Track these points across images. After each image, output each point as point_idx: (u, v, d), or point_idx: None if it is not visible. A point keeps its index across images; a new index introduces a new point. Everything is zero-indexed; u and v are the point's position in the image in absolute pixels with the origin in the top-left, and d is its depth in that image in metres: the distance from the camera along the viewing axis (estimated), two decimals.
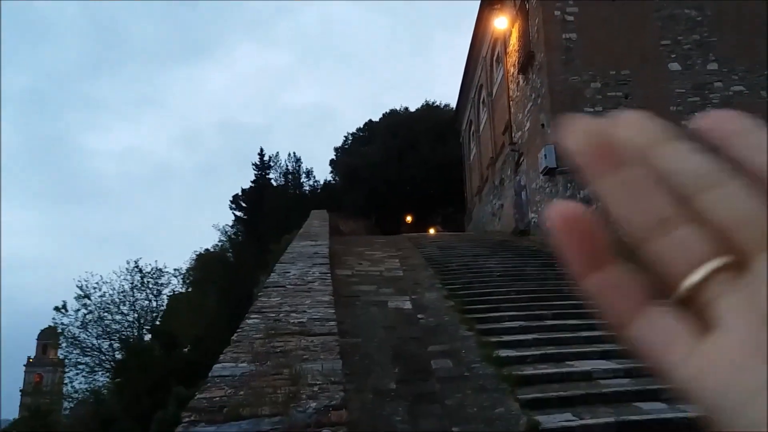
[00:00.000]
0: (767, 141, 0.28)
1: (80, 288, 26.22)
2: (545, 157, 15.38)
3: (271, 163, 34.36)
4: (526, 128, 18.15)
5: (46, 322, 30.59)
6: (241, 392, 2.64)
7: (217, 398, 2.60)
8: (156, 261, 48.20)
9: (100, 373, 25.17)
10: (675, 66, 15.62)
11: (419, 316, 7.84)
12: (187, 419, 2.44)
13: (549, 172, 15.64)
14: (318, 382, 2.74)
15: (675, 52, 15.67)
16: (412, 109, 38.32)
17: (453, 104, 33.96)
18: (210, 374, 2.89)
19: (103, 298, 26.33)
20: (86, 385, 24.96)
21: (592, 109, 15.34)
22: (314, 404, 2.50)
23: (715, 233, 0.27)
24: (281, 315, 4.14)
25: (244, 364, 3.02)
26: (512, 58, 19.68)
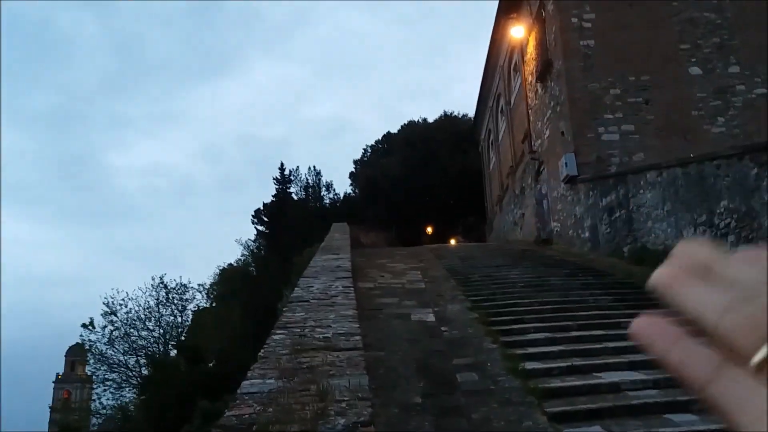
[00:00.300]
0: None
1: (107, 305, 26.62)
2: (566, 165, 15.28)
3: (292, 177, 34.61)
4: (546, 136, 18.06)
5: (75, 339, 31.01)
6: (270, 409, 2.66)
7: (246, 416, 2.62)
8: (180, 277, 48.76)
9: (127, 389, 25.44)
10: (695, 70, 15.46)
11: (443, 328, 7.81)
12: None
13: (570, 180, 15.53)
14: (345, 398, 2.74)
15: (695, 56, 15.51)
16: (431, 119, 38.44)
17: (471, 114, 33.95)
18: (239, 391, 2.92)
19: (129, 315, 26.68)
20: (113, 401, 25.24)
21: (612, 116, 15.24)
22: (343, 421, 2.51)
23: None
24: (306, 330, 4.16)
25: (272, 381, 3.03)
26: (530, 67, 19.65)
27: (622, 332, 7.22)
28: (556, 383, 5.61)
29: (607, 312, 8.08)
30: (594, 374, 5.84)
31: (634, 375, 5.74)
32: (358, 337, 4.02)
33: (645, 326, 0.36)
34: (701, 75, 15.41)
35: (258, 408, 2.68)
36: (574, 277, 10.91)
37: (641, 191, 12.43)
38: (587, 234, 15.04)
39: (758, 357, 0.30)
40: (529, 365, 6.02)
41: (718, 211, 9.92)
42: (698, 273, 0.35)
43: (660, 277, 0.36)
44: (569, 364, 6.08)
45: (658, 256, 11.38)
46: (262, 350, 3.63)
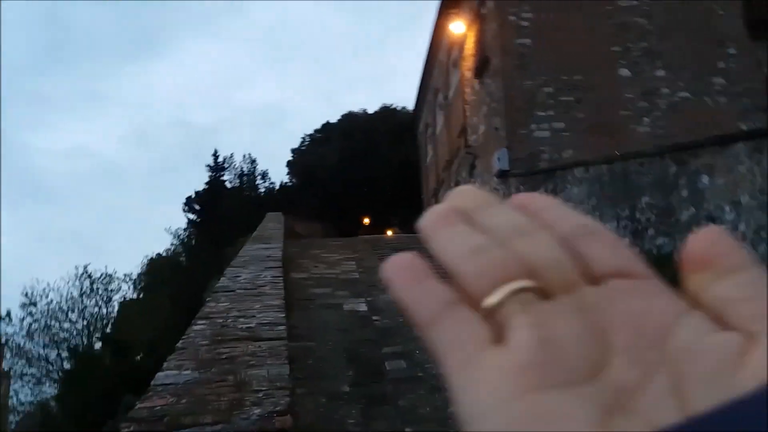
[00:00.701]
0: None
1: (26, 295, 25.31)
2: (498, 161, 15.60)
3: (226, 165, 33.89)
4: (481, 132, 18.39)
5: None
6: (184, 400, 2.57)
7: (158, 407, 2.53)
8: (106, 266, 46.92)
9: (47, 384, 24.31)
10: (625, 72, 16.08)
11: (374, 318, 7.84)
12: (126, 430, 2.36)
13: (502, 175, 15.88)
14: (263, 388, 2.69)
15: (625, 59, 16.13)
16: (370, 111, 38.40)
17: (411, 107, 34.18)
18: (152, 383, 2.81)
19: (51, 306, 25.46)
20: (33, 397, 24.10)
21: (544, 113, 15.66)
22: (258, 411, 2.45)
23: (523, 266, 0.29)
24: (229, 320, 4.06)
25: (188, 372, 2.94)
26: (468, 63, 19.93)
27: None
28: None
29: None
30: None
31: None
32: (282, 327, 3.96)
33: (395, 265, 0.32)
34: (630, 77, 16.05)
35: (171, 399, 2.59)
36: None
37: (569, 186, 12.84)
38: None
39: (489, 300, 0.28)
40: None
41: (639, 206, 10.37)
42: (463, 218, 0.32)
43: (425, 218, 0.34)
44: None
45: None
46: (181, 341, 3.52)
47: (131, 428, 2.41)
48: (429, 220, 0.33)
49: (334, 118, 39.19)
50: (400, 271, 0.31)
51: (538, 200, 0.35)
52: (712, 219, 8.63)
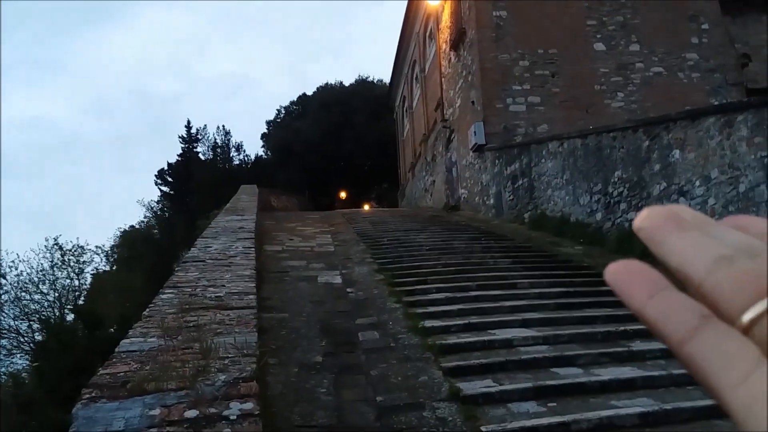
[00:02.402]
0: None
1: None
2: (475, 134, 15.60)
3: (199, 136, 33.37)
4: (457, 105, 18.33)
5: None
6: (147, 367, 2.55)
7: (121, 373, 2.50)
8: (77, 238, 46.21)
9: (18, 355, 24.02)
10: (600, 46, 16.10)
11: (348, 290, 7.85)
12: (87, 396, 2.34)
13: (478, 149, 15.90)
14: (230, 355, 2.68)
15: (600, 33, 16.14)
16: (347, 83, 37.99)
17: (387, 80, 33.89)
18: (116, 349, 2.78)
19: (20, 278, 25.04)
20: (3, 369, 23.79)
21: (520, 87, 15.65)
22: (223, 377, 2.44)
23: None
24: (198, 290, 4.02)
25: (153, 339, 2.91)
26: (444, 35, 19.76)
27: (517, 292, 7.54)
28: (452, 340, 5.79)
29: (504, 273, 8.39)
30: (489, 331, 6.06)
31: (526, 332, 6.02)
32: (252, 296, 3.94)
33: (623, 272, 0.32)
34: (605, 51, 16.08)
35: (135, 366, 2.57)
36: (477, 241, 11.25)
37: (543, 160, 12.92)
38: (492, 201, 15.52)
39: (750, 314, 0.27)
40: (429, 323, 6.17)
41: (612, 180, 10.48)
42: (686, 225, 0.31)
43: (645, 220, 0.33)
44: (466, 321, 6.28)
45: (556, 223, 11.93)
46: (147, 309, 3.47)
47: (93, 394, 2.39)
48: (653, 221, 0.32)
49: (301, 89, 38.77)
50: (632, 279, 0.31)
51: (757, 223, 0.33)
52: (683, 193, 8.77)
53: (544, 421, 4.24)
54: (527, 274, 8.28)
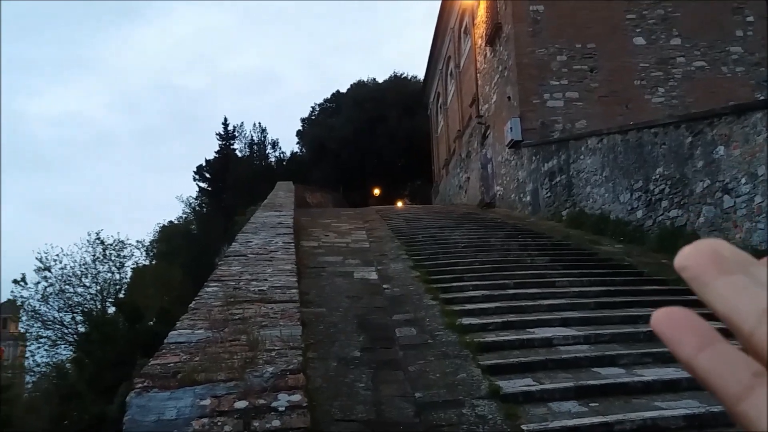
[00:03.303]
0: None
1: (40, 260, 25.62)
2: (511, 130, 15.45)
3: (236, 133, 33.81)
4: (493, 101, 18.18)
5: (5, 296, 29.83)
6: (197, 358, 2.60)
7: (172, 364, 2.56)
8: (118, 233, 47.35)
9: (62, 346, 24.74)
10: (640, 40, 15.76)
11: (384, 286, 7.86)
12: (140, 385, 2.40)
13: (514, 145, 15.74)
14: (276, 348, 2.71)
15: (640, 27, 15.80)
16: (380, 80, 38.00)
17: (421, 76, 33.79)
18: (165, 341, 2.84)
19: (64, 271, 25.79)
20: (48, 359, 24.57)
21: (557, 82, 15.43)
22: (271, 369, 2.48)
23: None
24: (241, 283, 4.08)
25: (201, 331, 2.97)
26: (480, 30, 19.60)
27: (556, 291, 7.45)
28: (491, 338, 5.75)
29: (543, 272, 8.30)
30: (528, 330, 6.01)
31: (566, 331, 5.94)
32: (294, 291, 3.98)
33: (670, 320, 0.31)
34: (645, 45, 15.74)
35: (184, 357, 2.62)
36: (513, 238, 11.14)
37: (582, 157, 12.72)
38: (528, 198, 15.35)
39: None
40: (466, 321, 6.14)
41: (653, 177, 10.26)
42: (730, 267, 0.31)
43: (688, 258, 0.32)
44: (504, 320, 6.23)
45: (595, 221, 11.74)
46: (194, 302, 3.54)
47: (144, 383, 2.45)
48: (696, 260, 0.32)
49: (328, 86, 38.91)
50: (680, 329, 0.31)
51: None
52: (727, 191, 8.53)
53: (586, 420, 4.18)
54: (566, 273, 8.17)
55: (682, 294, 7.43)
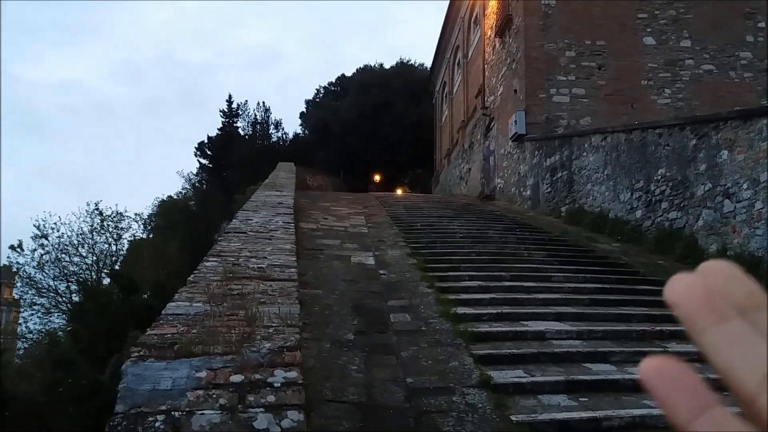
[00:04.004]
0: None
1: (37, 228, 25.63)
2: (515, 123, 15.41)
3: (240, 111, 33.67)
4: (499, 93, 18.11)
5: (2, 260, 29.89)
6: (194, 330, 2.61)
7: (169, 335, 2.57)
8: (116, 204, 47.31)
9: (56, 314, 24.82)
10: (650, 40, 15.69)
11: (381, 271, 7.88)
12: (136, 354, 2.41)
13: (518, 139, 15.71)
14: (274, 325, 2.73)
15: (651, 26, 15.72)
16: (387, 66, 37.81)
17: (428, 64, 33.64)
18: (163, 312, 2.86)
19: (61, 240, 25.80)
20: (41, 326, 24.63)
21: (565, 78, 15.38)
22: (268, 345, 2.50)
23: None
24: (240, 260, 4.09)
25: (199, 304, 2.98)
26: (490, 21, 19.48)
27: (551, 285, 7.48)
28: (484, 328, 5.78)
29: (539, 266, 8.33)
30: (521, 322, 6.04)
31: (560, 326, 5.98)
32: (293, 270, 3.99)
33: (661, 375, 0.29)
34: (654, 46, 15.67)
35: (182, 329, 2.64)
36: (511, 231, 11.16)
37: (584, 154, 12.71)
38: (529, 192, 15.35)
39: None
40: (461, 310, 6.16)
41: (655, 178, 10.26)
42: (726, 311, 0.28)
43: (680, 295, 0.30)
44: (499, 311, 6.26)
45: (594, 218, 11.76)
46: (192, 275, 3.55)
47: (141, 353, 2.47)
48: (688, 299, 0.29)
49: (331, 66, 38.70)
50: (672, 386, 0.28)
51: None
52: (728, 195, 8.54)
53: (575, 415, 4.21)
54: (562, 268, 8.20)
55: None
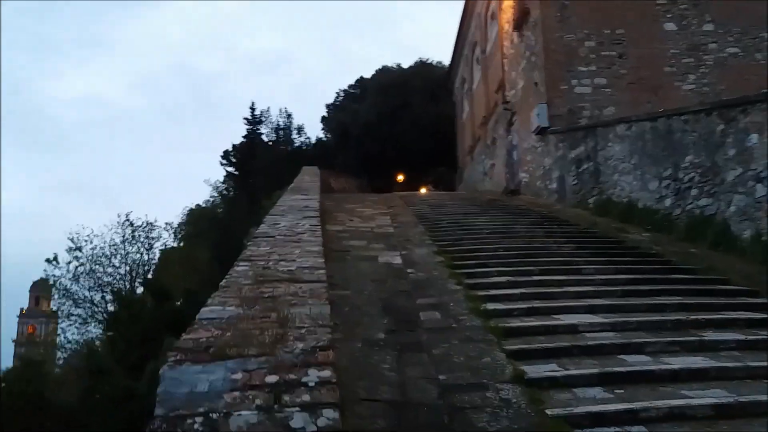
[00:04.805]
0: None
1: (71, 240, 26.25)
2: (538, 116, 15.29)
3: (263, 118, 33.99)
4: (520, 87, 17.98)
5: (38, 274, 30.61)
6: (228, 334, 2.66)
7: (204, 339, 2.62)
8: (146, 215, 48.16)
9: (92, 324, 25.41)
10: (670, 26, 15.44)
11: (409, 270, 7.88)
12: (172, 358, 2.46)
13: (541, 132, 15.58)
14: (306, 325, 2.76)
15: (671, 12, 15.48)
16: (405, 65, 37.81)
17: (446, 62, 33.53)
18: (197, 317, 2.91)
19: (95, 251, 26.38)
20: (79, 336, 25.23)
21: (585, 68, 15.20)
22: (301, 345, 2.53)
23: None
24: (270, 263, 4.14)
25: (232, 308, 3.03)
26: (507, 15, 19.35)
27: (582, 278, 7.39)
28: (515, 323, 5.75)
29: (569, 258, 8.24)
30: (553, 316, 5.98)
31: (593, 318, 5.91)
32: (322, 271, 4.03)
33: None
34: (676, 31, 15.42)
35: (216, 332, 2.68)
36: (539, 225, 11.07)
37: (610, 144, 12.55)
38: (554, 185, 15.21)
39: None
40: (491, 306, 6.13)
41: (683, 165, 10.09)
42: None
43: None
44: (529, 305, 6.22)
45: (623, 209, 11.60)
46: (224, 280, 3.61)
47: (177, 357, 2.52)
48: None
49: (352, 69, 38.81)
50: None
51: None
52: (760, 180, 8.35)
53: (611, 407, 4.16)
54: (592, 260, 8.10)
55: (710, 283, 7.35)
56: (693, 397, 4.28)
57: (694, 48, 15.28)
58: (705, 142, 9.58)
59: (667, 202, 10.45)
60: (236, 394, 2.28)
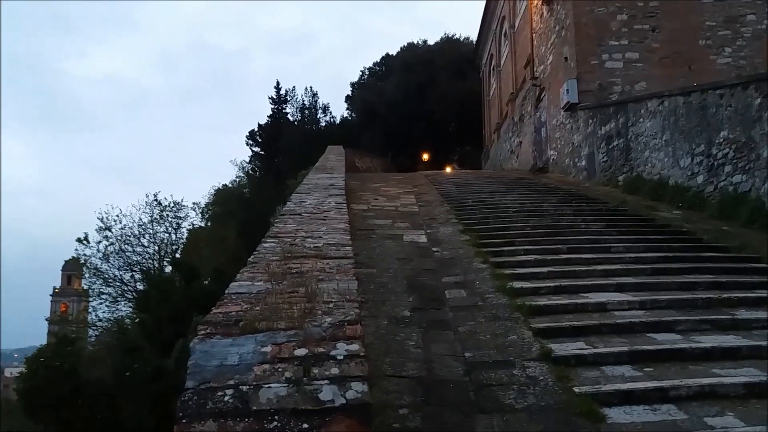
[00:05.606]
0: None
1: (101, 220, 26.75)
2: (567, 92, 15.01)
3: (288, 97, 34.02)
4: (549, 62, 17.65)
5: (69, 254, 31.33)
6: (257, 308, 2.68)
7: (233, 313, 2.65)
8: (172, 195, 48.87)
9: (122, 302, 25.95)
10: None
11: (434, 249, 7.86)
12: (203, 332, 2.49)
13: (570, 108, 15.30)
14: (333, 300, 2.77)
15: None
16: (431, 42, 37.35)
17: (473, 37, 33.03)
18: (226, 291, 2.94)
19: (124, 231, 26.87)
20: (110, 314, 25.82)
21: (617, 43, 14.84)
22: (329, 319, 2.54)
23: None
24: (297, 240, 4.16)
25: (260, 283, 3.06)
26: None
27: (611, 256, 7.30)
28: (542, 301, 5.70)
29: (597, 237, 8.13)
30: (581, 294, 5.92)
31: (621, 296, 5.83)
32: (349, 248, 4.04)
33: None
34: (712, 3, 14.94)
35: (245, 306, 2.71)
36: (567, 203, 10.93)
37: (641, 120, 12.27)
38: (584, 162, 14.97)
39: None
40: (517, 284, 6.09)
41: (717, 141, 9.83)
42: None
43: None
44: (557, 284, 6.16)
45: (653, 186, 11.37)
46: (252, 256, 3.64)
47: (207, 330, 2.55)
48: None
49: (365, 46, 38.48)
50: None
51: None
52: None
53: (640, 385, 4.12)
54: (622, 238, 7.98)
55: (743, 261, 7.19)
56: (725, 376, 4.21)
57: (732, 20, 14.80)
58: (741, 117, 9.31)
59: (700, 179, 10.21)
60: (266, 366, 2.30)
